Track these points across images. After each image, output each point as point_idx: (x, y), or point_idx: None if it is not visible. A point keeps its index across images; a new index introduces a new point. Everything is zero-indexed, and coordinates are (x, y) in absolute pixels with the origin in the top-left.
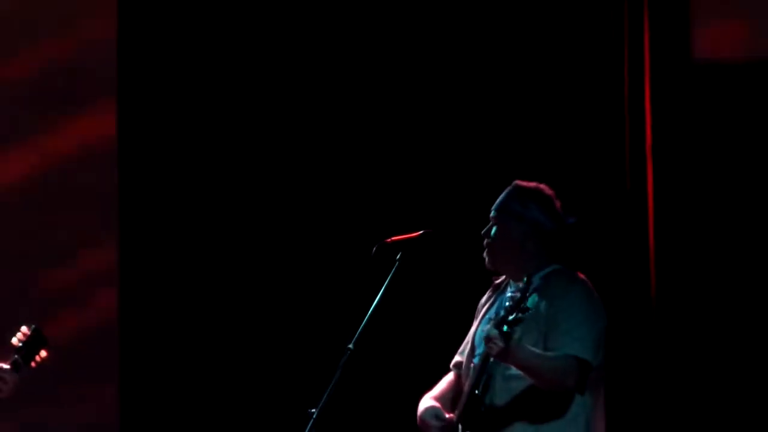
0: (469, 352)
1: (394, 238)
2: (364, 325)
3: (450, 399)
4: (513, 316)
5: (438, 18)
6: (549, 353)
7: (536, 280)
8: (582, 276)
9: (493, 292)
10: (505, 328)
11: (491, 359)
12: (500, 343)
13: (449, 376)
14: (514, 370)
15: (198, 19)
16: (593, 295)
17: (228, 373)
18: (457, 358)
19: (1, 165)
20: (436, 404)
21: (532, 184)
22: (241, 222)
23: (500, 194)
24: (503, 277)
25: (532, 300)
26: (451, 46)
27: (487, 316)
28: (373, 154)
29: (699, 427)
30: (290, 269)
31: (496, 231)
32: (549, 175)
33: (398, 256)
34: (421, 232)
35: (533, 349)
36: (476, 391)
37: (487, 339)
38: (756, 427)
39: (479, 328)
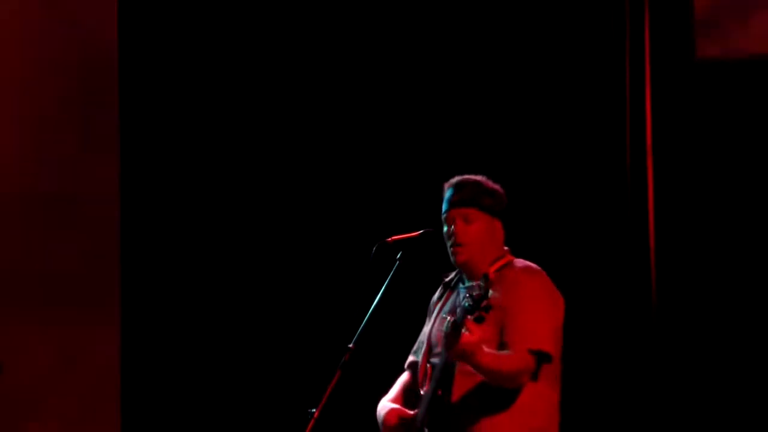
0: (425, 352)
1: (394, 238)
2: (365, 325)
3: (407, 399)
4: (474, 316)
5: (439, 18)
6: (505, 353)
7: (491, 274)
8: (536, 266)
9: (445, 289)
10: (464, 329)
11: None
12: (461, 346)
13: (404, 377)
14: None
15: (198, 18)
16: (550, 285)
17: (228, 373)
18: (411, 358)
19: (1, 166)
20: (395, 405)
21: (482, 177)
22: (242, 222)
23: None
24: (453, 273)
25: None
26: (452, 46)
27: (441, 315)
28: (373, 154)
29: (699, 427)
30: (290, 269)
31: (471, 226)
32: (549, 174)
33: (398, 256)
34: (421, 231)
35: (490, 351)
36: (438, 392)
37: (447, 340)
38: (756, 427)
39: (434, 327)
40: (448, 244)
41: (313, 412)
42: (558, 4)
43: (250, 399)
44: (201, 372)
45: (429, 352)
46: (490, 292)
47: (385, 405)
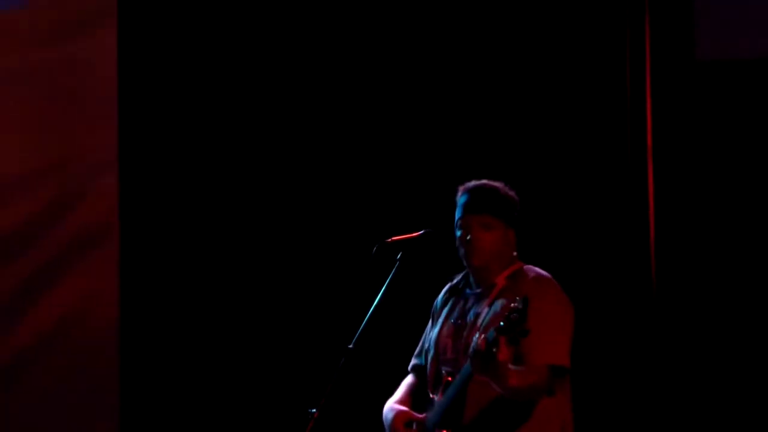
0: (433, 357)
1: (394, 238)
2: (365, 325)
3: (414, 402)
4: (508, 338)
5: (439, 17)
6: (523, 368)
7: (501, 281)
8: (547, 274)
9: (451, 292)
10: (494, 349)
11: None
12: (487, 364)
13: (409, 380)
14: None
15: (198, 18)
16: (562, 295)
17: (228, 373)
18: (415, 361)
19: (0, 165)
20: (403, 408)
21: (500, 184)
22: (242, 222)
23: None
24: (460, 276)
25: (496, 305)
26: (453, 45)
27: (450, 321)
28: (373, 155)
29: (699, 426)
30: (290, 269)
31: (490, 232)
32: (550, 174)
33: (399, 256)
34: (422, 231)
35: (515, 369)
36: (452, 404)
37: (475, 356)
38: (756, 427)
39: (442, 332)
40: (463, 248)
41: (313, 412)
42: (558, 4)
43: (250, 399)
44: (201, 372)
45: (436, 357)
46: (498, 301)
47: (393, 407)
